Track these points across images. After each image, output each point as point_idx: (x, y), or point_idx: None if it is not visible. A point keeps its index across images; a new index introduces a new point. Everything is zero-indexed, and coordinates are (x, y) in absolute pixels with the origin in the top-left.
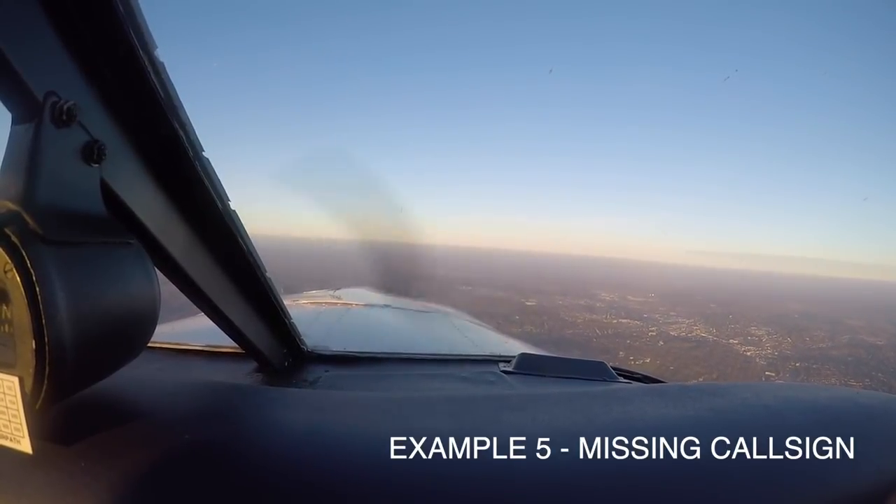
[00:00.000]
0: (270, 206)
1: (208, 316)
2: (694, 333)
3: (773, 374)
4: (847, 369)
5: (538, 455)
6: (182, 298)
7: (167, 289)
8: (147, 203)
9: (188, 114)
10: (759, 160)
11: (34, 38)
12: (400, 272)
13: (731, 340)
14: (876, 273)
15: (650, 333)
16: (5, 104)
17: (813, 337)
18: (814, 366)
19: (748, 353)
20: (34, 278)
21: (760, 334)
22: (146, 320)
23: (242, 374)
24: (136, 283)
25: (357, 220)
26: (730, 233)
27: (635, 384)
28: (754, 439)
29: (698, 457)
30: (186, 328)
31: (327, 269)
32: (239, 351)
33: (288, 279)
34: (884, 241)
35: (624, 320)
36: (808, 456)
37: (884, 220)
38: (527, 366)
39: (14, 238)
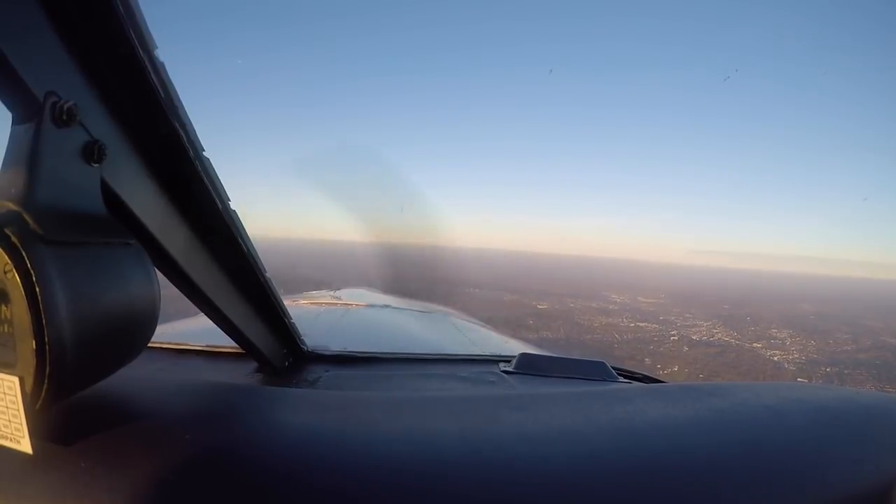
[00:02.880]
0: (271, 206)
1: (208, 316)
2: (716, 337)
3: (806, 381)
4: (879, 374)
5: (538, 455)
6: (178, 305)
7: (164, 293)
8: (147, 203)
9: (188, 114)
10: (759, 160)
11: (34, 38)
12: (402, 273)
13: (754, 344)
14: (879, 272)
15: (672, 338)
16: (5, 104)
17: (836, 339)
18: (845, 371)
19: (775, 358)
20: (34, 278)
21: (783, 337)
22: (146, 320)
23: (243, 374)
24: (137, 283)
25: (361, 221)
26: (730, 232)
27: (636, 384)
28: (754, 439)
29: (699, 457)
30: (186, 328)
31: (328, 270)
32: (239, 351)
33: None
34: (884, 241)
35: (642, 323)
36: (808, 456)
37: (884, 219)
38: (527, 366)
39: (14, 238)
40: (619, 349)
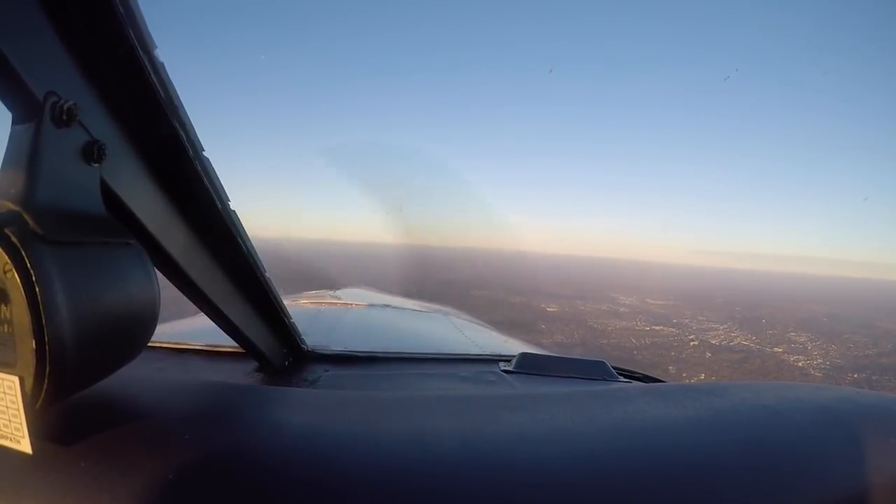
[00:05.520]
0: (272, 206)
1: (208, 316)
2: (735, 342)
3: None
4: None
5: (538, 455)
6: (170, 310)
7: (164, 293)
8: (147, 203)
9: (188, 114)
10: (759, 160)
11: (34, 38)
12: (404, 274)
13: (775, 349)
14: (879, 272)
15: (692, 343)
16: (5, 104)
17: (856, 343)
18: (874, 377)
19: (800, 364)
20: (34, 278)
21: (802, 341)
22: (146, 320)
23: (243, 374)
24: (136, 283)
25: (363, 222)
26: (730, 232)
27: (636, 384)
28: (754, 439)
29: (698, 457)
30: (186, 328)
31: (331, 271)
32: (239, 350)
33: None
34: (885, 241)
35: (657, 327)
36: (807, 456)
37: (884, 219)
38: (527, 365)
39: (14, 238)
40: (640, 355)
